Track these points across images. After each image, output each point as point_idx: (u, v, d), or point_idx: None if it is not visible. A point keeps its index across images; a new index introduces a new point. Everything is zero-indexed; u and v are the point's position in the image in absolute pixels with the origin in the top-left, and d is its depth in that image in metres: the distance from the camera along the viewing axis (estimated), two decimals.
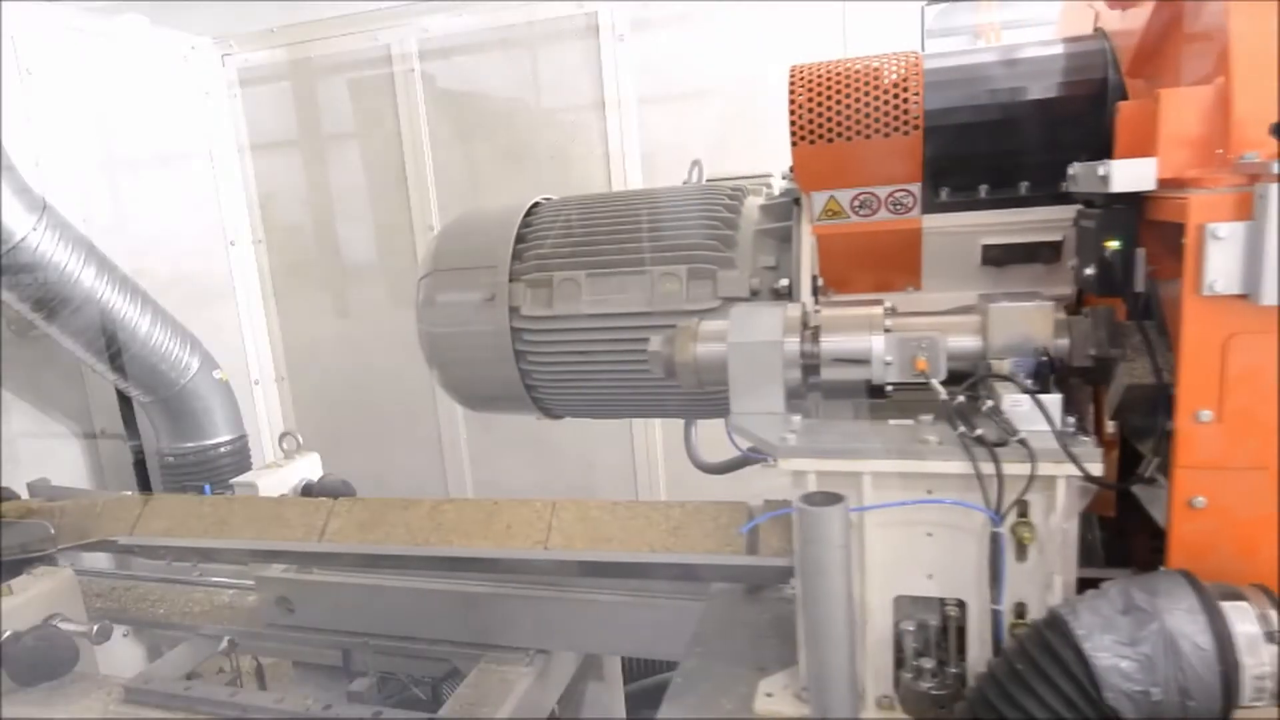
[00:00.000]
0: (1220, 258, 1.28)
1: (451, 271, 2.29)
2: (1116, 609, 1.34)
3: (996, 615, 1.56)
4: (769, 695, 1.81)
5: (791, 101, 1.85)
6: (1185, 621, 1.29)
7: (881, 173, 1.86)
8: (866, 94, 1.81)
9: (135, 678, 2.64)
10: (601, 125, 4.52)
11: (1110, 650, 1.30)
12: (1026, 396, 1.54)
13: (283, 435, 3.49)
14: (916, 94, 1.78)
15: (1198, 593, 1.32)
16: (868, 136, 1.81)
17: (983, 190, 1.86)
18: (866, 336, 1.71)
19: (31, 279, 3.67)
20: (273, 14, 4.87)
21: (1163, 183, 1.41)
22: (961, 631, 1.63)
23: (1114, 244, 1.48)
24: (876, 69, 1.83)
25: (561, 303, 2.16)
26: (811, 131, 1.84)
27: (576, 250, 2.20)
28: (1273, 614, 1.30)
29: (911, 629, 1.66)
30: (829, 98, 1.82)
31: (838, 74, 1.85)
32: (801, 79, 1.87)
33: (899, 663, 1.69)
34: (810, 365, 1.75)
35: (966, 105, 1.85)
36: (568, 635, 2.66)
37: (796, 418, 1.73)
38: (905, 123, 1.79)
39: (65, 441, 4.48)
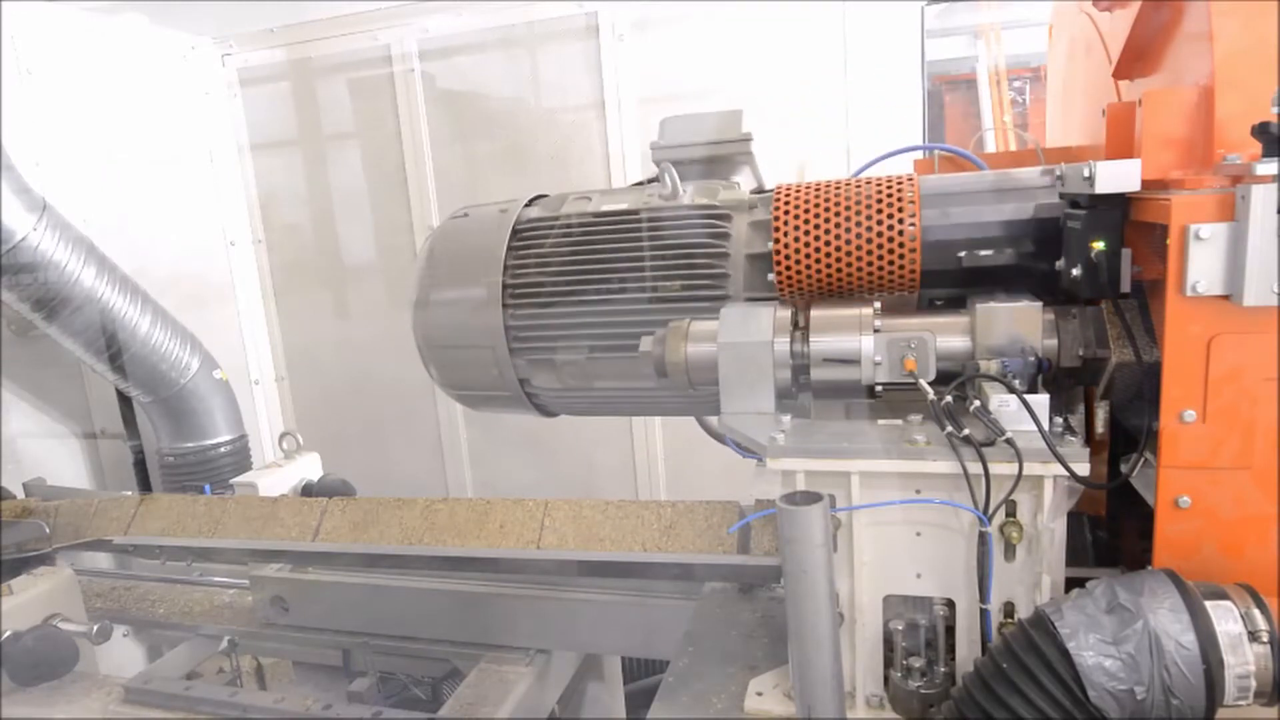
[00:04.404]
0: (1203, 259, 1.29)
1: (446, 273, 2.29)
2: (1101, 608, 1.34)
3: (985, 614, 1.57)
4: (759, 694, 1.82)
5: (775, 227, 1.82)
6: (1169, 620, 1.30)
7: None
8: (858, 221, 1.78)
9: (135, 678, 2.64)
10: (601, 125, 4.52)
11: (1095, 649, 1.30)
12: (1014, 396, 1.55)
13: (283, 435, 3.48)
14: (913, 218, 1.75)
15: (1181, 592, 1.33)
16: (859, 262, 1.78)
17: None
18: (856, 336, 1.72)
19: (31, 279, 3.68)
20: (273, 14, 4.87)
21: (1147, 184, 1.41)
22: (951, 631, 1.64)
23: (1100, 245, 1.48)
24: (867, 195, 1.79)
25: (556, 308, 2.14)
26: (797, 252, 1.81)
27: (569, 264, 2.13)
28: (1256, 613, 1.31)
29: (901, 628, 1.67)
30: (816, 226, 1.80)
31: (825, 199, 1.82)
32: (786, 204, 1.84)
33: (889, 662, 1.70)
34: (800, 365, 1.76)
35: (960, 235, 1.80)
36: (563, 634, 2.67)
37: (786, 417, 1.73)
38: (899, 244, 1.76)
39: (65, 441, 4.50)
